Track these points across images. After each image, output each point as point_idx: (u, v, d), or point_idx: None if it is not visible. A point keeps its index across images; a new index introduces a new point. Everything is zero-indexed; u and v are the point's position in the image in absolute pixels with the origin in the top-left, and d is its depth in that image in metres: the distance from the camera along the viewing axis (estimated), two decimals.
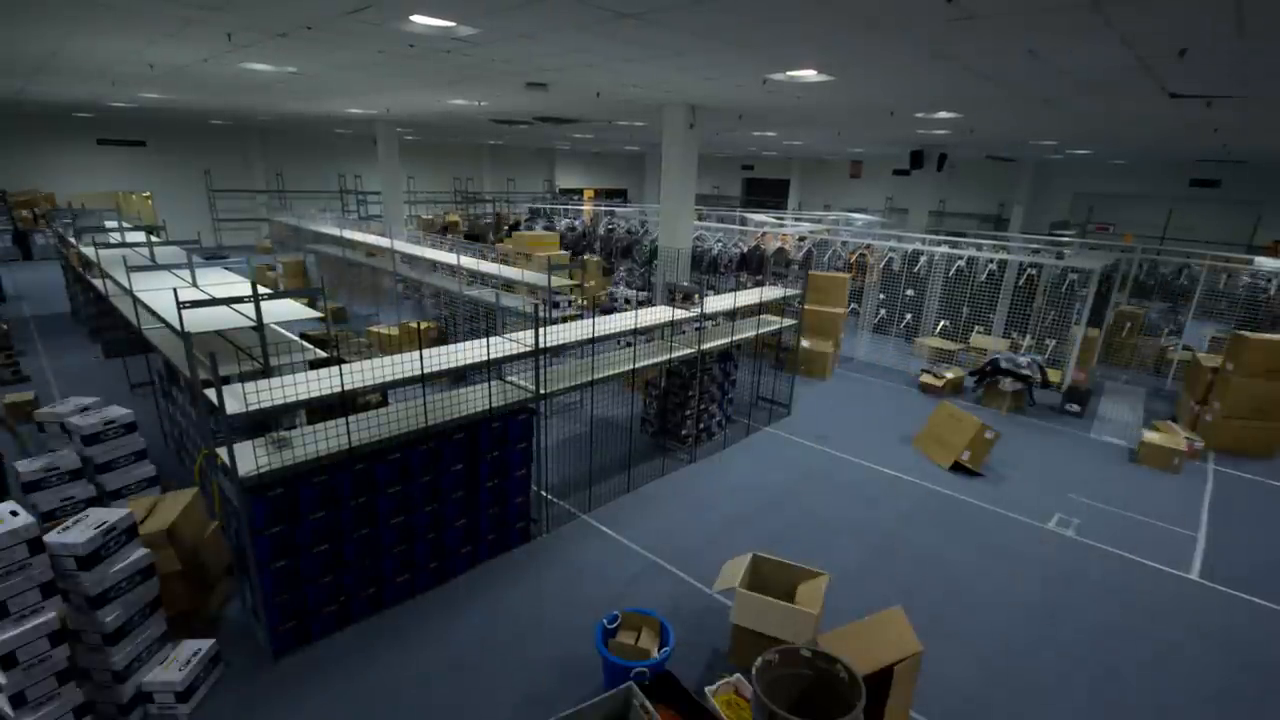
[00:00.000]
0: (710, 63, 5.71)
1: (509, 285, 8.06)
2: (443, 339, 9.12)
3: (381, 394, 4.89)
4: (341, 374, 3.72)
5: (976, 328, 10.04)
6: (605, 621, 3.63)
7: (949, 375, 8.73)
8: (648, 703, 2.73)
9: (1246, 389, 7.06)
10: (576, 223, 15.06)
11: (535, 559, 4.76)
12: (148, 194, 18.61)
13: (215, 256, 15.11)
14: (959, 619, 4.31)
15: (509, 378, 4.87)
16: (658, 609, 3.97)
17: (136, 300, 5.07)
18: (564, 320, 6.63)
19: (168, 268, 5.74)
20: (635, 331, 5.55)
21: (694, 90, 7.39)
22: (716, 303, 6.70)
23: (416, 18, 4.53)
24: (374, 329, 9.16)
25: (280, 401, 3.42)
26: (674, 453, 6.58)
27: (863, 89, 6.76)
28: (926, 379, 8.87)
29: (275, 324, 4.80)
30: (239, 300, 4.50)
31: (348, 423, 3.69)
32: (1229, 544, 5.43)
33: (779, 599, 3.66)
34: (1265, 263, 9.48)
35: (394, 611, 4.12)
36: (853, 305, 11.48)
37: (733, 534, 5.18)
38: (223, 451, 3.31)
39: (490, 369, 4.62)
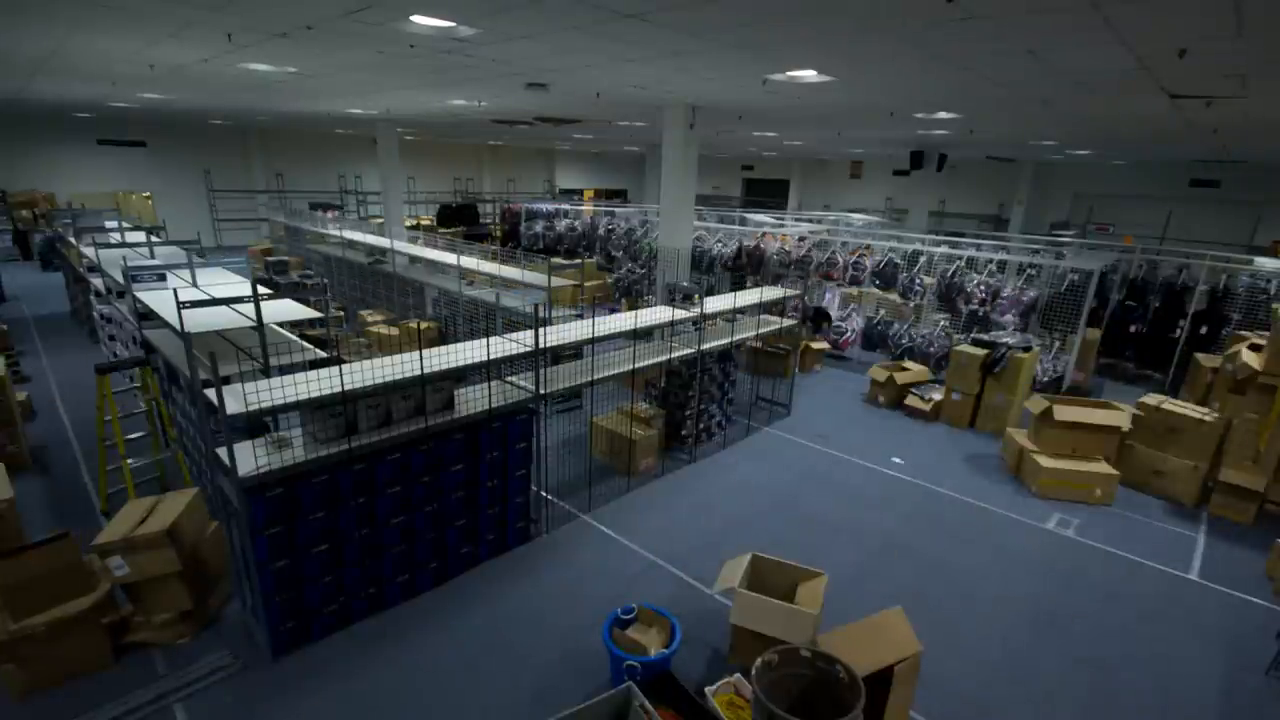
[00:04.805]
0: (710, 63, 5.70)
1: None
2: (442, 339, 9.13)
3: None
4: (341, 374, 3.72)
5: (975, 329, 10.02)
6: (619, 612, 3.65)
7: (936, 397, 7.97)
8: (647, 703, 2.73)
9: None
10: (576, 223, 15.04)
11: (535, 559, 4.76)
12: (148, 194, 18.61)
13: (200, 252, 15.08)
14: (959, 619, 4.31)
15: (509, 378, 4.88)
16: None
17: (136, 300, 5.07)
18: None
19: (168, 268, 5.74)
20: (635, 333, 5.55)
21: (694, 90, 7.38)
22: (716, 303, 6.70)
23: (416, 18, 4.53)
24: (374, 329, 9.17)
25: (280, 401, 3.42)
26: (674, 453, 6.58)
27: (863, 89, 6.76)
28: (913, 402, 8.08)
29: (275, 324, 4.81)
30: (239, 300, 4.50)
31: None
32: (1228, 544, 5.43)
33: (778, 599, 3.66)
34: (1265, 263, 9.48)
35: (394, 611, 4.13)
36: (852, 307, 11.46)
37: (732, 534, 5.18)
38: (222, 451, 3.32)
39: (490, 369, 4.63)
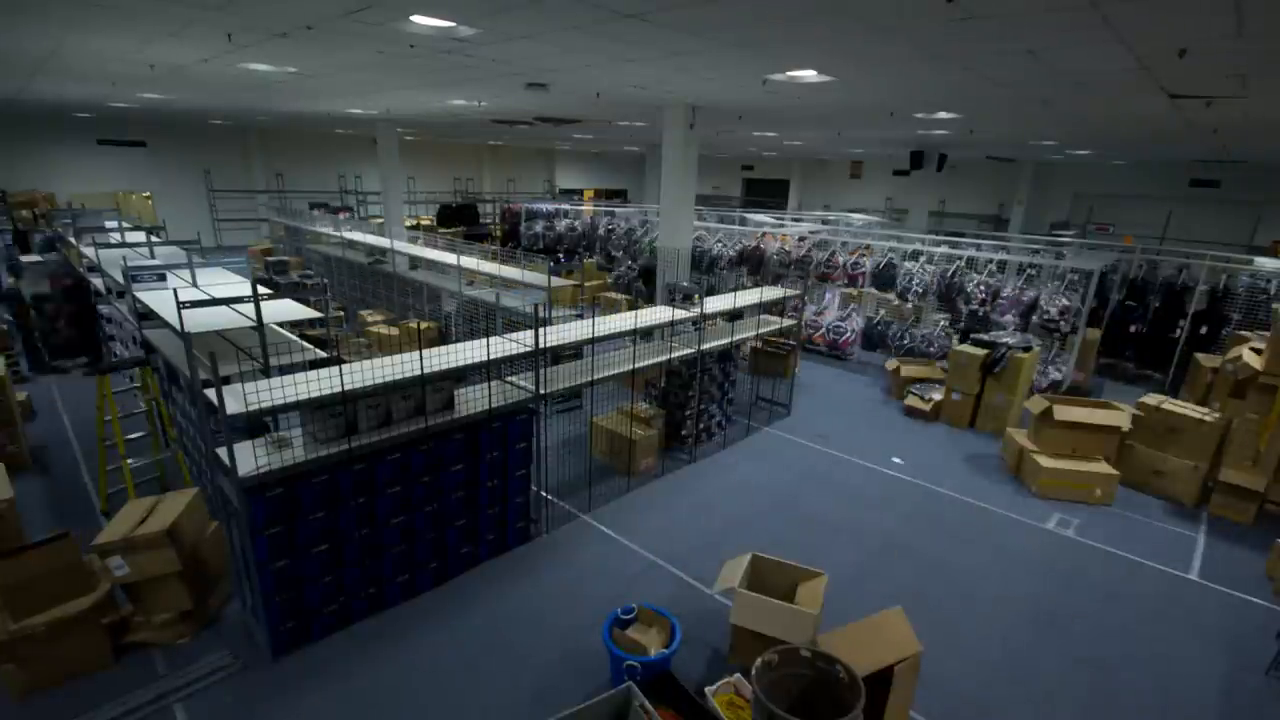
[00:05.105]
0: (710, 63, 5.70)
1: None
2: (442, 339, 9.13)
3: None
4: (341, 374, 3.72)
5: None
6: (619, 612, 3.65)
7: (936, 398, 8.01)
8: (647, 703, 2.73)
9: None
10: (576, 223, 15.04)
11: (535, 559, 4.76)
12: (148, 194, 18.60)
13: (201, 251, 15.08)
14: (959, 619, 4.31)
15: (509, 378, 4.88)
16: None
17: (136, 300, 5.07)
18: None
19: (168, 268, 5.74)
20: (635, 332, 5.55)
21: (694, 90, 7.38)
22: (716, 303, 6.70)
23: (416, 18, 4.53)
24: (374, 329, 9.16)
25: (280, 401, 3.42)
26: (674, 452, 6.58)
27: (863, 89, 6.76)
28: (913, 402, 8.10)
29: (275, 324, 4.81)
30: (239, 300, 4.50)
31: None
32: (1228, 544, 5.43)
33: (778, 599, 3.66)
34: (1265, 263, 9.48)
35: (394, 611, 4.13)
36: (852, 307, 11.48)
37: (732, 534, 5.18)
38: (222, 451, 3.32)
39: (490, 369, 4.62)
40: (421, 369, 3.95)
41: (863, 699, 2.70)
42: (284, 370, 4.09)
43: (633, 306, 8.12)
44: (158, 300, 4.97)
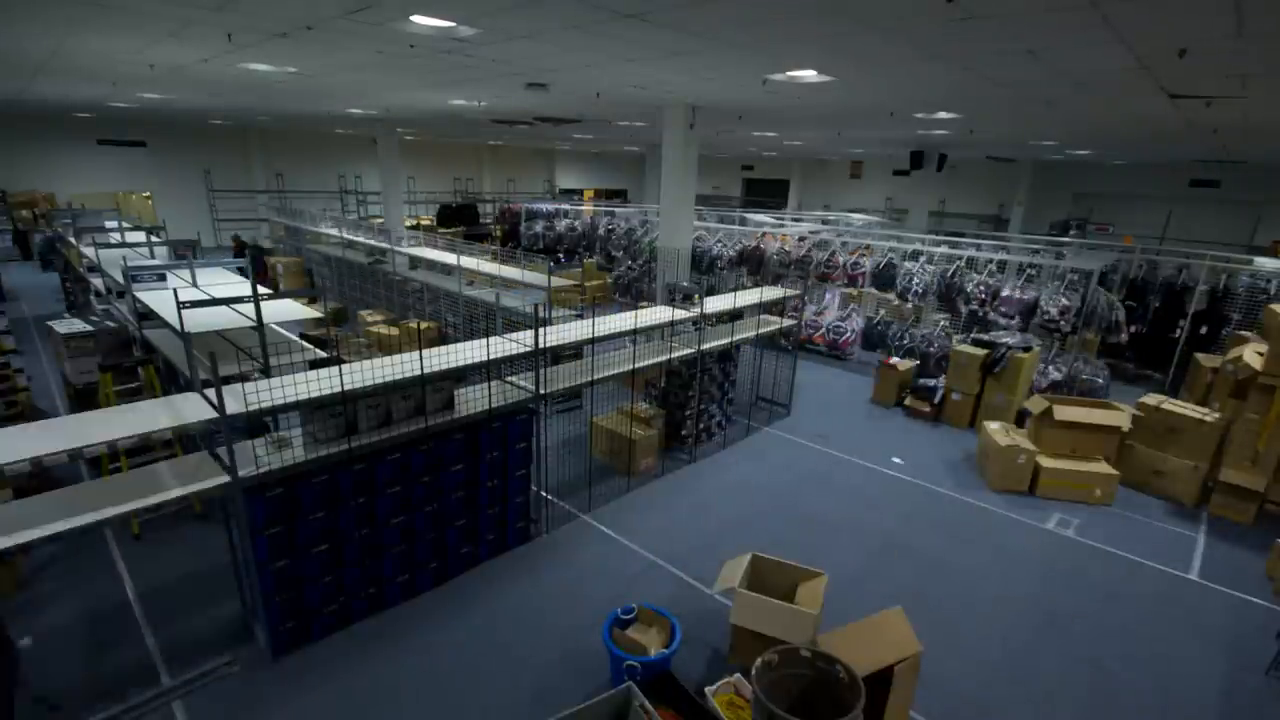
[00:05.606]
0: (710, 63, 5.71)
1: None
2: (442, 339, 9.13)
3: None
4: (341, 374, 3.72)
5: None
6: (619, 612, 3.65)
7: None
8: (647, 703, 2.73)
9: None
10: (576, 223, 15.04)
11: (535, 559, 4.76)
12: (148, 194, 18.60)
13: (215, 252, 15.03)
14: (959, 619, 4.31)
15: (509, 378, 4.88)
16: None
17: (136, 300, 5.07)
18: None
19: (168, 267, 5.74)
20: (635, 332, 5.55)
21: (694, 90, 7.38)
22: (716, 303, 6.70)
23: (416, 18, 4.53)
24: (374, 329, 9.17)
25: (280, 401, 3.42)
26: (674, 453, 6.58)
27: (863, 89, 6.76)
28: (914, 402, 8.13)
29: (275, 324, 4.81)
30: (239, 300, 4.50)
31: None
32: (1228, 544, 5.43)
33: (778, 599, 3.66)
34: (1265, 263, 9.48)
35: (394, 611, 4.13)
36: (852, 307, 11.48)
37: (732, 534, 5.18)
38: (222, 452, 3.31)
39: (490, 369, 4.63)
40: (421, 369, 3.95)
41: (863, 699, 2.70)
42: (284, 370, 4.09)
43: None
44: (158, 300, 4.98)
